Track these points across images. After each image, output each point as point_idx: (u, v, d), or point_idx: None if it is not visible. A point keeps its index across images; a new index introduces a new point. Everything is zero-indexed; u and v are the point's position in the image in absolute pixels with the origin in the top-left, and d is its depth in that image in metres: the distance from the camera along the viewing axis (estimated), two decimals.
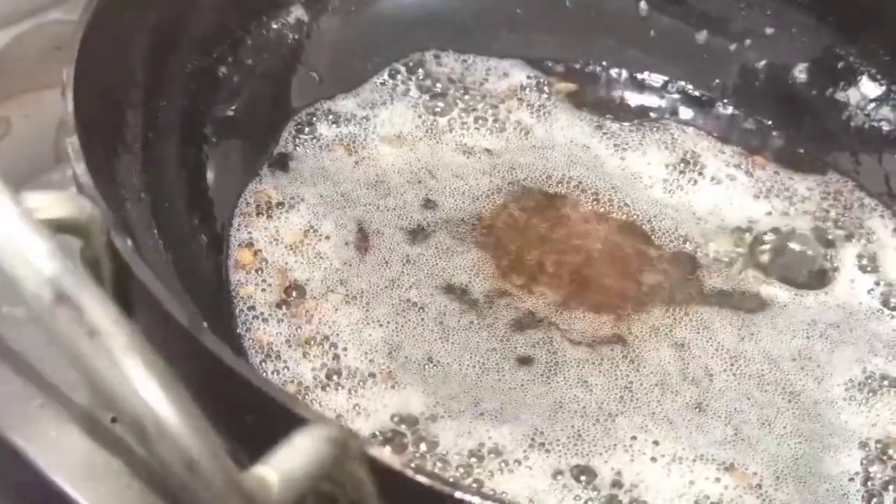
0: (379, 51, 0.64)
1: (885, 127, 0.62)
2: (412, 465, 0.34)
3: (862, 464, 0.50)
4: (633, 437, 0.49)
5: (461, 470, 0.47)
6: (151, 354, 0.27)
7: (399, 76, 0.64)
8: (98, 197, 0.38)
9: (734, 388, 0.52)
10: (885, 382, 0.53)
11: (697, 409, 0.51)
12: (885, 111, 0.62)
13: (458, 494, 0.33)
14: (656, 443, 0.49)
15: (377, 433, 0.47)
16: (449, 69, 0.64)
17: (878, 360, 0.54)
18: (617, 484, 0.47)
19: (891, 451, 0.50)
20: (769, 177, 0.62)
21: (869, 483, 0.49)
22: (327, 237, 0.55)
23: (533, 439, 0.48)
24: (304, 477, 0.31)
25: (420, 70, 0.64)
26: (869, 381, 0.53)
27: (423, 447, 0.47)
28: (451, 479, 0.44)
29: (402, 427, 0.48)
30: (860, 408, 0.52)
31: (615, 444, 0.48)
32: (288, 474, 0.31)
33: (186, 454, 0.27)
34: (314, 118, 0.61)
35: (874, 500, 0.48)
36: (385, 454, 0.34)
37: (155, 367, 0.27)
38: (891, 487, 0.49)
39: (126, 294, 0.38)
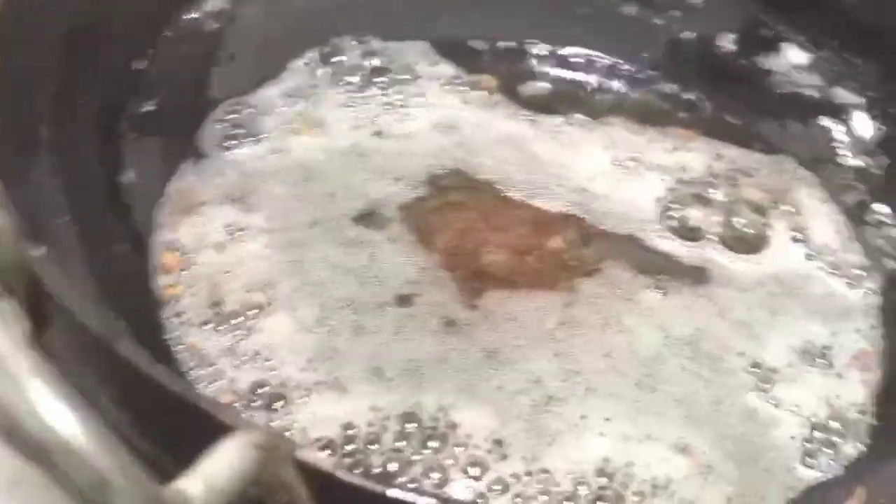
0: (300, 38, 0.62)
1: (811, 94, 0.62)
2: (344, 466, 0.33)
3: (804, 432, 0.50)
4: (583, 416, 0.49)
5: (415, 468, 0.46)
6: (55, 376, 0.26)
7: (322, 63, 0.62)
8: (7, 202, 0.37)
9: (681, 366, 0.52)
10: (824, 349, 0.53)
11: (648, 389, 0.50)
12: (811, 78, 0.63)
13: (390, 493, 0.32)
14: (608, 419, 0.48)
15: (320, 438, 0.46)
16: (372, 55, 0.63)
17: (815, 327, 0.54)
18: (569, 460, 0.47)
19: (831, 421, 0.50)
20: (701, 148, 0.62)
21: (810, 450, 0.49)
22: (255, 235, 0.54)
23: (492, 431, 0.47)
24: (230, 485, 0.31)
25: (343, 56, 0.63)
26: (809, 349, 0.53)
27: (371, 447, 0.46)
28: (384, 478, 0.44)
29: (348, 432, 0.47)
30: (801, 376, 0.52)
31: (566, 427, 0.48)
32: (213, 483, 0.30)
33: (98, 475, 0.27)
34: (236, 109, 0.59)
35: (815, 466, 0.48)
36: (315, 457, 0.33)
37: (59, 389, 0.26)
38: (831, 452, 0.49)
39: (41, 305, 0.36)
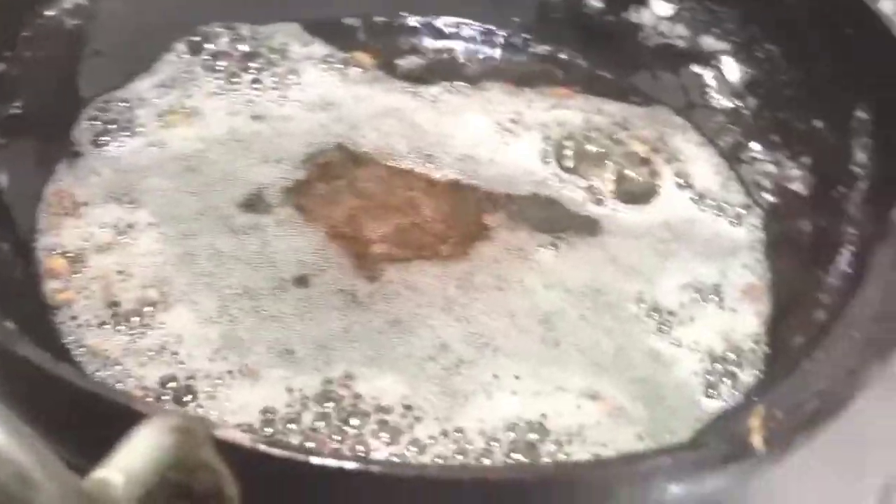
0: (167, 29, 0.61)
1: (679, 43, 0.64)
2: (264, 440, 0.32)
3: (705, 367, 0.51)
4: (495, 376, 0.49)
5: (335, 441, 0.46)
6: None
7: (191, 52, 0.61)
8: None
9: (582, 318, 0.52)
10: (715, 287, 0.55)
11: (553, 344, 0.51)
12: (678, 28, 0.64)
13: (313, 460, 0.32)
14: (517, 377, 0.49)
15: (239, 425, 0.45)
16: (242, 40, 0.62)
17: (705, 268, 0.56)
18: (482, 419, 0.47)
19: (729, 353, 0.52)
20: (579, 105, 0.63)
21: (712, 382, 0.50)
22: (142, 231, 0.53)
23: (404, 397, 0.47)
24: (149, 471, 0.30)
25: (212, 44, 0.62)
26: (701, 288, 0.55)
27: (291, 426, 0.46)
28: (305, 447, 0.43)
29: (267, 416, 0.46)
30: (697, 315, 0.53)
31: (478, 387, 0.48)
32: (131, 471, 0.30)
33: (18, 470, 0.26)
34: (108, 105, 0.58)
35: (718, 397, 0.50)
36: (233, 434, 0.32)
37: None
38: (731, 382, 0.50)
39: None
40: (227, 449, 0.32)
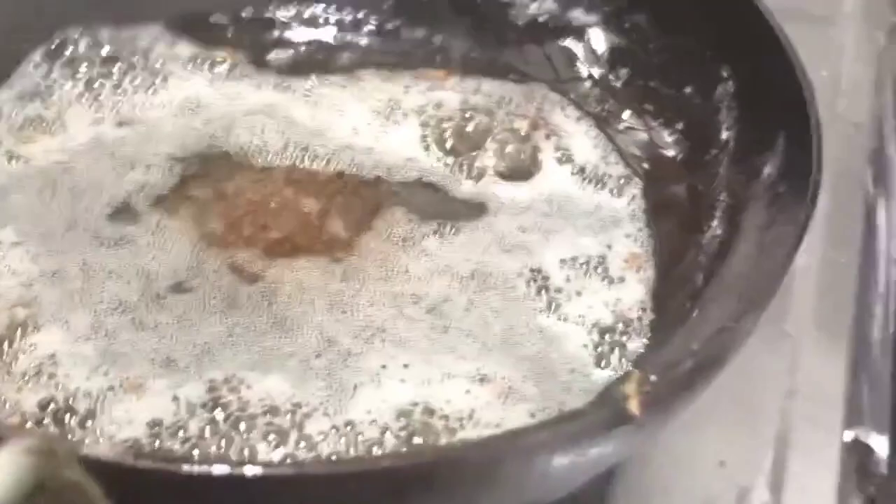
0: (22, 36, 0.59)
1: (549, 19, 0.64)
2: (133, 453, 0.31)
3: (594, 339, 0.51)
4: (383, 366, 0.48)
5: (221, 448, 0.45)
6: None
7: (49, 60, 0.60)
8: None
9: (469, 302, 0.52)
10: (599, 259, 0.55)
11: (441, 330, 0.51)
12: (547, 5, 0.64)
13: (185, 469, 0.31)
14: (406, 366, 0.48)
15: (126, 440, 0.44)
16: (103, 44, 0.61)
17: (588, 241, 0.56)
18: (372, 411, 0.47)
19: (617, 323, 0.52)
20: (455, 86, 0.62)
21: (602, 353, 0.51)
22: (6, 251, 0.51)
23: (291, 396, 0.47)
24: (7, 497, 0.29)
25: (71, 50, 0.60)
26: (586, 262, 0.55)
27: (178, 435, 0.45)
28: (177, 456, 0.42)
29: (154, 429, 0.45)
30: (584, 288, 0.53)
31: (367, 379, 0.48)
32: None
33: None
34: None
35: (608, 367, 0.50)
36: (99, 449, 0.31)
37: None
38: (619, 351, 0.51)
39: None
40: (96, 466, 0.31)
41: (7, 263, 0.51)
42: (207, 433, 0.45)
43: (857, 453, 0.54)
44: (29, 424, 0.44)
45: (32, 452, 0.30)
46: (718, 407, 0.52)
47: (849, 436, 0.55)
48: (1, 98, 0.58)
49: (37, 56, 0.60)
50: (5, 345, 0.48)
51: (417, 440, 0.45)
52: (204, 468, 0.31)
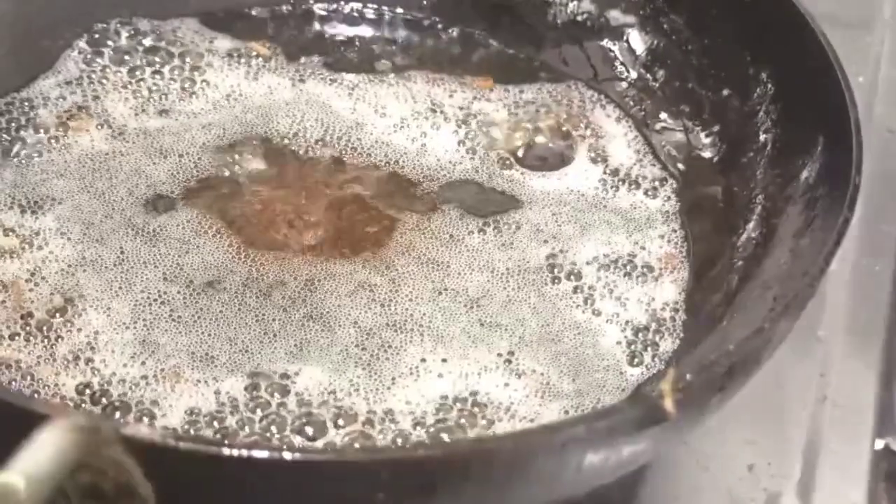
0: (64, 27, 0.60)
1: (587, 19, 0.64)
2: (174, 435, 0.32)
3: (628, 336, 0.51)
4: (422, 360, 0.49)
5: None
6: None
7: (92, 50, 0.60)
8: None
9: (508, 298, 0.52)
10: (634, 258, 0.55)
11: (479, 325, 0.51)
12: (585, 4, 0.65)
13: (225, 452, 0.31)
14: (444, 360, 0.49)
15: (165, 428, 0.44)
16: (143, 35, 0.62)
17: (622, 239, 0.56)
18: (411, 402, 0.47)
19: (650, 322, 0.52)
20: (499, 91, 0.62)
21: (635, 351, 0.51)
22: (48, 237, 0.52)
23: (329, 385, 0.47)
24: (52, 473, 0.30)
25: (113, 41, 0.61)
26: (621, 260, 0.55)
27: (218, 425, 0.45)
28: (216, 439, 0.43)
29: (192, 417, 0.45)
30: (619, 286, 0.53)
31: (406, 371, 0.48)
32: (33, 473, 0.29)
33: None
34: (9, 109, 0.57)
35: (641, 365, 0.50)
36: (141, 430, 0.32)
37: None
38: (652, 350, 0.51)
39: None
40: (138, 447, 0.32)
41: (50, 249, 0.51)
42: (245, 424, 0.46)
43: (888, 461, 0.54)
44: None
45: (76, 430, 0.31)
46: (748, 411, 0.52)
47: (879, 444, 0.54)
48: (45, 85, 0.58)
49: (81, 45, 0.60)
50: (48, 328, 0.48)
51: (454, 433, 0.46)
52: (244, 451, 0.31)
